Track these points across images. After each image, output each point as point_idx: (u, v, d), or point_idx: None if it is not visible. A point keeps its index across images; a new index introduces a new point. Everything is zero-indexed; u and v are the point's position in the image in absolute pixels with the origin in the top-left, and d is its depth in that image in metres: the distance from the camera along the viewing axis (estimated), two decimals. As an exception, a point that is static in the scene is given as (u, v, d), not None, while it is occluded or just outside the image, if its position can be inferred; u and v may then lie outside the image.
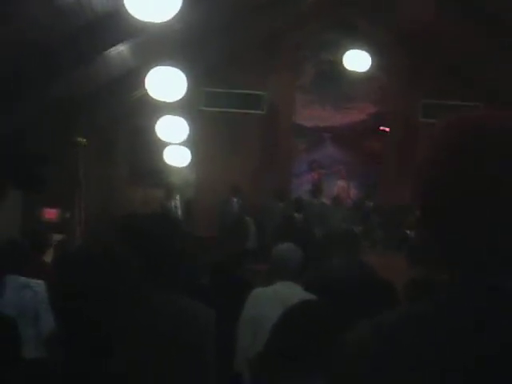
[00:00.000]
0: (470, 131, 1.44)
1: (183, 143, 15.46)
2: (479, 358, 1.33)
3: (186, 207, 16.45)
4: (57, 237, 11.66)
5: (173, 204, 16.28)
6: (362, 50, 16.16)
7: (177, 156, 16.06)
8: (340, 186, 17.96)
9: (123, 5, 7.57)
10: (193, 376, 3.13)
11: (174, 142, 15.17)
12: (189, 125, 14.64)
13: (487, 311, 1.37)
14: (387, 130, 18.41)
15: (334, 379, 1.51)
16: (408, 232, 14.62)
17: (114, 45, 11.52)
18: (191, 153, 16.24)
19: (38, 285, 6.16)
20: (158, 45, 12.07)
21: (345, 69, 16.74)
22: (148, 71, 11.15)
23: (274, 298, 5.75)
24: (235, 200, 16.22)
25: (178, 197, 16.43)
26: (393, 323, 1.44)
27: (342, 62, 16.77)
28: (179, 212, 16.18)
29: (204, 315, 3.27)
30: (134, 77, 13.28)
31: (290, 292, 5.72)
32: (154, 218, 3.45)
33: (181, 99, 11.81)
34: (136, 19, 7.80)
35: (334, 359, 1.49)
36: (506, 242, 1.39)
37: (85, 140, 15.04)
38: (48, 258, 8.63)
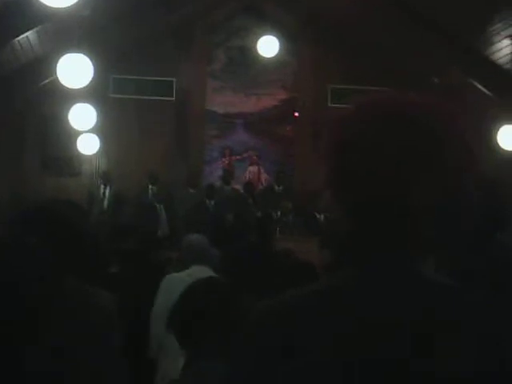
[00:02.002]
0: (379, 114, 1.48)
1: (94, 131, 15.32)
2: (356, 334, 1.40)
3: (115, 196, 16.28)
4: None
5: (102, 192, 16.16)
6: (272, 35, 16.26)
7: (88, 144, 15.92)
8: (251, 172, 18.06)
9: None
10: (100, 365, 3.13)
11: (84, 129, 15.02)
12: (98, 112, 14.51)
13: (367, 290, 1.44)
14: (297, 115, 18.56)
15: (234, 352, 1.57)
16: (318, 216, 14.81)
17: (22, 32, 11.35)
18: (102, 140, 16.12)
19: None
20: (67, 32, 11.93)
21: (255, 55, 16.82)
22: (57, 58, 11.03)
23: (187, 282, 5.79)
24: (152, 187, 16.15)
25: (108, 186, 16.24)
26: (287, 301, 1.50)
27: (252, 47, 16.86)
28: (105, 201, 16.05)
29: (108, 303, 3.27)
30: (42, 64, 13.11)
31: (204, 276, 5.78)
32: (61, 205, 3.42)
33: (90, 86, 11.72)
34: (43, 5, 7.72)
35: (234, 334, 1.55)
36: (400, 226, 1.45)
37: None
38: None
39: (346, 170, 1.48)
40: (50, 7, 7.81)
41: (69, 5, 7.68)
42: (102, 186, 16.21)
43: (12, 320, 2.62)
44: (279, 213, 14.79)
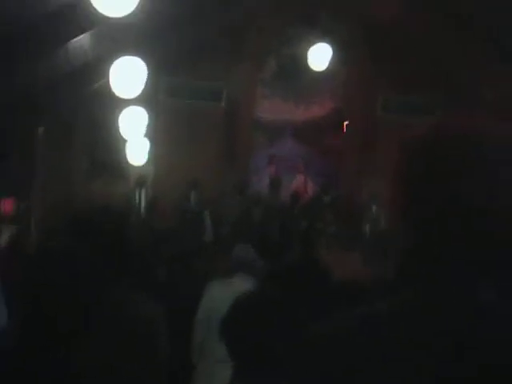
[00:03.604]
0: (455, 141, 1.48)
1: (144, 135, 15.40)
2: None
3: (149, 201, 16.40)
4: (12, 228, 11.56)
5: (138, 197, 16.27)
6: (324, 44, 16.22)
7: (137, 149, 16.01)
8: (298, 181, 18.02)
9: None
10: (145, 369, 3.16)
11: (135, 133, 15.11)
12: (149, 116, 14.59)
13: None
14: (347, 124, 18.51)
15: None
16: (366, 229, 14.72)
17: (76, 35, 11.45)
18: (152, 145, 16.20)
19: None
20: (120, 36, 12.01)
21: (307, 63, 16.80)
22: (109, 62, 11.10)
23: (229, 291, 5.81)
24: (194, 194, 16.20)
25: (143, 190, 16.39)
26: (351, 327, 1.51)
27: (304, 56, 16.84)
28: (143, 205, 16.17)
29: (153, 311, 3.29)
30: (95, 68, 13.21)
31: (246, 285, 5.79)
32: (105, 212, 3.45)
33: (142, 90, 11.78)
34: (97, 12, 7.78)
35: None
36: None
37: (44, 130, 14.92)
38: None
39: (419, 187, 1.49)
40: (103, 15, 7.87)
41: (125, 14, 7.73)
42: (137, 191, 16.29)
43: (63, 327, 2.65)
44: (323, 224, 14.72)
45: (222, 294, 5.87)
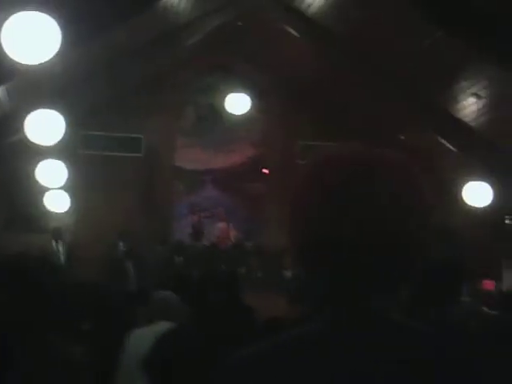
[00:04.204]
0: (339, 173, 1.52)
1: (62, 187, 15.29)
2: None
3: (68, 251, 16.22)
4: None
5: (56, 248, 16.07)
6: (241, 93, 16.38)
7: (56, 200, 15.88)
8: (220, 228, 18.03)
9: (1, 47, 7.52)
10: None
11: (54, 186, 14.99)
12: (67, 168, 14.51)
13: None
14: (267, 171, 18.65)
15: None
16: (286, 272, 14.79)
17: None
18: (70, 197, 16.08)
19: None
20: (36, 88, 11.96)
21: (225, 112, 16.93)
22: (26, 114, 11.04)
23: (151, 337, 5.78)
24: (121, 244, 16.10)
25: (61, 241, 16.24)
26: (262, 350, 1.53)
27: (221, 105, 16.97)
28: (61, 257, 15.97)
29: (78, 357, 3.27)
30: (11, 121, 13.10)
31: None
32: (33, 261, 3.43)
33: (59, 143, 11.72)
34: (13, 61, 7.75)
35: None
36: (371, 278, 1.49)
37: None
38: None
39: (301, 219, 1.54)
40: (20, 63, 7.83)
41: (41, 62, 7.71)
42: (54, 243, 16.14)
43: None
44: (246, 269, 14.77)
45: (143, 340, 5.83)
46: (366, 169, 1.51)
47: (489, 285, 13.02)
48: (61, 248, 16.18)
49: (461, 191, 13.41)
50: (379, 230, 1.46)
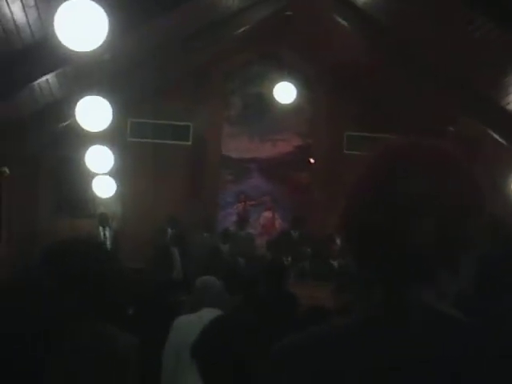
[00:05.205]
0: (397, 163, 1.54)
1: (110, 174, 15.44)
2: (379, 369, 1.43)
3: (114, 238, 16.37)
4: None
5: (102, 234, 16.22)
6: (289, 82, 16.33)
7: (104, 186, 16.03)
8: (266, 217, 18.07)
9: (52, 35, 7.60)
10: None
11: (101, 172, 15.14)
12: (115, 155, 14.63)
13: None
14: (313, 161, 18.62)
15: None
16: (333, 262, 14.75)
17: (42, 75, 11.46)
18: (118, 183, 16.22)
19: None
20: (86, 75, 12.06)
21: (271, 101, 16.90)
22: (75, 102, 11.16)
23: (197, 324, 5.81)
24: (170, 230, 16.18)
25: (107, 227, 16.39)
26: (312, 336, 1.54)
27: (268, 94, 16.94)
28: (108, 242, 16.10)
29: (127, 344, 3.28)
30: (61, 107, 13.22)
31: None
32: (79, 245, 3.43)
33: (108, 130, 11.83)
34: (65, 49, 7.82)
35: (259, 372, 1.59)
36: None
37: (8, 170, 14.81)
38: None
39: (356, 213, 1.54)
40: (71, 50, 7.90)
41: (92, 49, 7.78)
42: (101, 228, 16.29)
43: (21, 369, 2.61)
44: (292, 258, 14.74)
45: (189, 327, 5.86)
46: (422, 165, 1.52)
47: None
48: (107, 233, 16.34)
49: (510, 184, 13.29)
50: (429, 230, 1.46)
